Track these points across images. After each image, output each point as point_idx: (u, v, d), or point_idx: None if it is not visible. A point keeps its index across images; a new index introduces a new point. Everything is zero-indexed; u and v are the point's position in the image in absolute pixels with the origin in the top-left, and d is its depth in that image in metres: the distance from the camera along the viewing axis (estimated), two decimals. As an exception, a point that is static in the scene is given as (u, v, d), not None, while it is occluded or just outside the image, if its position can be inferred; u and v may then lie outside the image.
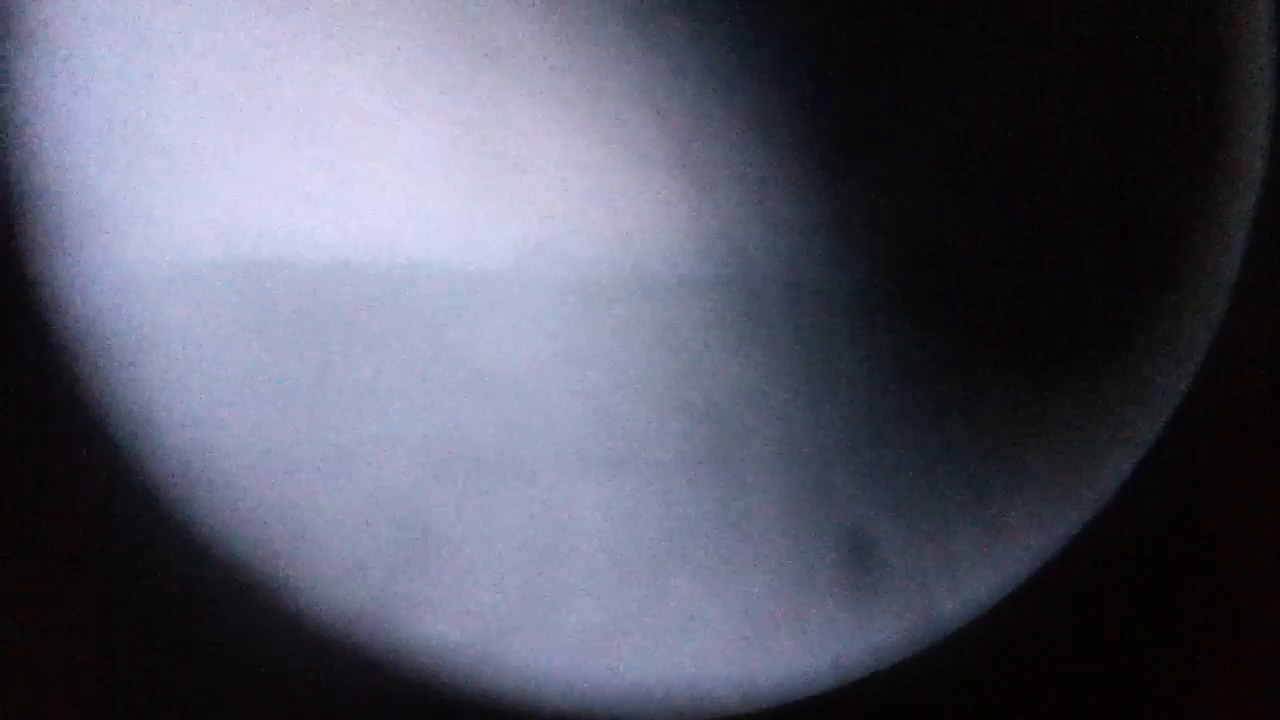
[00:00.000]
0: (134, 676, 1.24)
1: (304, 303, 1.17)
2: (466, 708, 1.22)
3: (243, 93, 1.17)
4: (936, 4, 1.21)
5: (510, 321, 1.19)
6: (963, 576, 1.25)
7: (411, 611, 1.20)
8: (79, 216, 1.18)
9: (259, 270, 1.18)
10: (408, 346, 1.18)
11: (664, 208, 1.19)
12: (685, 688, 1.23)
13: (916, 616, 1.24)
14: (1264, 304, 1.30)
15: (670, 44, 1.19)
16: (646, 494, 1.20)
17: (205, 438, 1.19)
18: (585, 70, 1.18)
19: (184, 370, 1.19)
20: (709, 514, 1.21)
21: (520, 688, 1.22)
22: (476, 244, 1.18)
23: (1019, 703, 1.27)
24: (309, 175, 1.16)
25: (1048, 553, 1.28)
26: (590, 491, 1.20)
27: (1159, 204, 1.28)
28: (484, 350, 1.19)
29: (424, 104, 1.17)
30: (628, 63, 1.19)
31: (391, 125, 1.17)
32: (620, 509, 1.20)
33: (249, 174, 1.17)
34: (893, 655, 1.26)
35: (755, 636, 1.23)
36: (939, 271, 1.23)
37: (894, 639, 1.25)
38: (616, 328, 1.19)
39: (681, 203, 1.19)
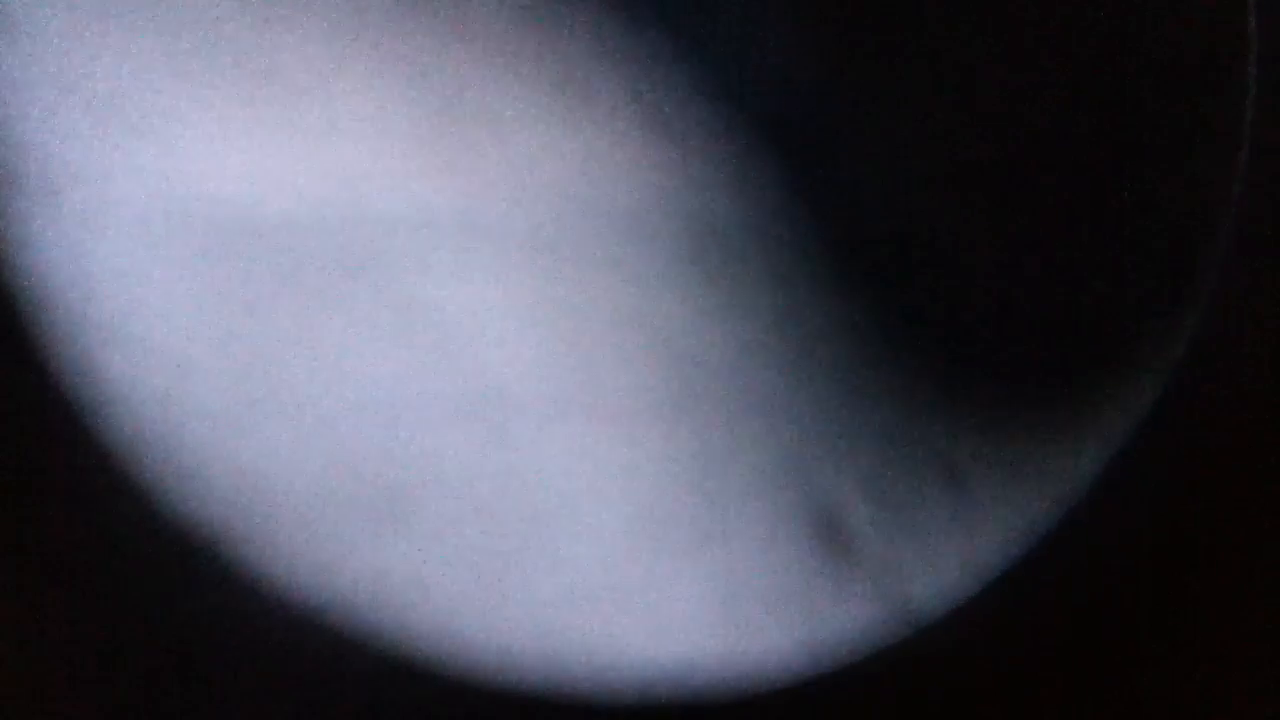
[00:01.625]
0: (100, 645, 1.24)
1: (265, 262, 1.18)
2: (436, 681, 1.22)
3: (200, 54, 1.19)
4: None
5: (475, 273, 1.19)
6: (936, 558, 1.25)
7: (380, 578, 1.20)
8: (39, 182, 1.20)
9: (217, 230, 1.19)
10: (372, 303, 1.19)
11: (633, 165, 1.20)
12: (656, 661, 1.23)
13: (891, 598, 1.24)
14: (1246, 300, 1.30)
15: (646, 27, 1.21)
16: (617, 451, 1.21)
17: (168, 401, 1.20)
18: (556, 46, 1.20)
19: (145, 334, 1.20)
20: (683, 482, 1.22)
21: (489, 657, 1.22)
22: (441, 197, 1.20)
23: (996, 694, 1.27)
24: (268, 134, 1.18)
25: (1024, 541, 1.27)
26: (560, 447, 1.20)
27: (1141, 199, 1.28)
28: (449, 302, 1.20)
29: (386, 57, 1.19)
30: (602, 46, 1.20)
31: (353, 82, 1.19)
32: (591, 468, 1.20)
33: (207, 135, 1.19)
34: (869, 642, 1.26)
35: (727, 611, 1.22)
36: (920, 252, 1.24)
37: (869, 622, 1.25)
38: (585, 279, 1.20)
39: (650, 159, 1.20)
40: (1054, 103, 1.26)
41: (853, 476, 1.23)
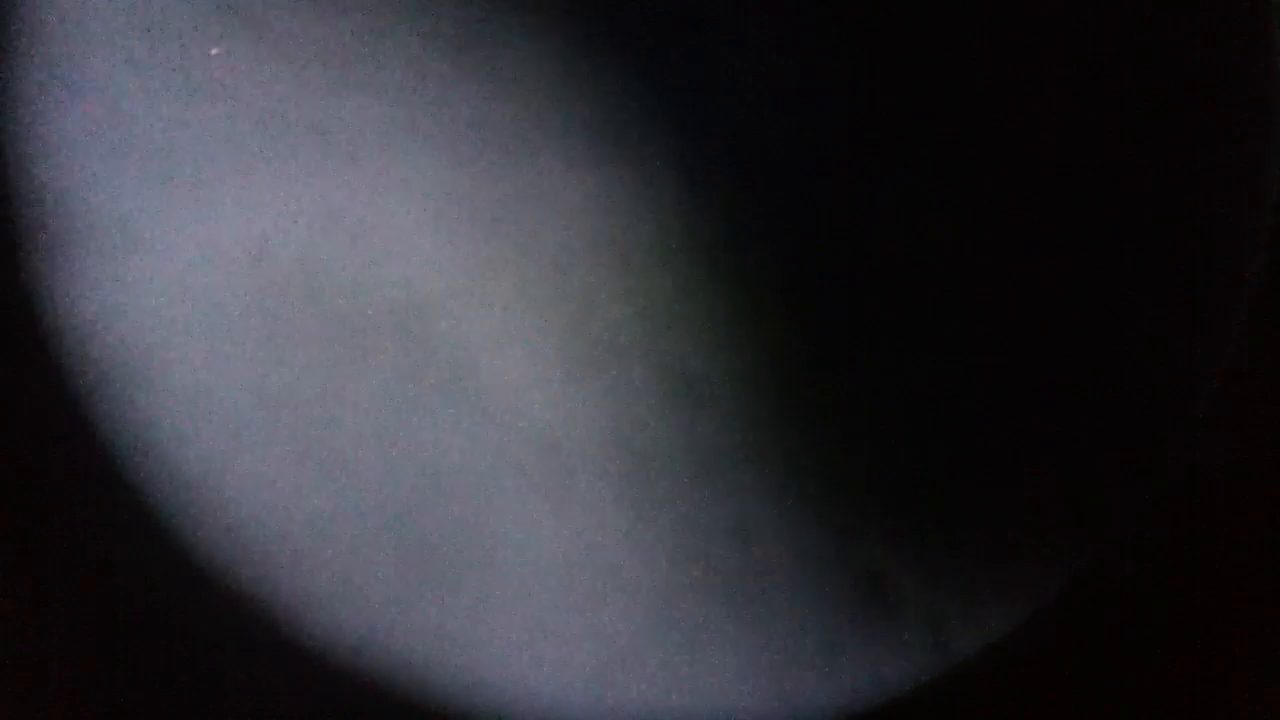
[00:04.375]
0: (135, 697, 1.23)
1: (312, 319, 1.18)
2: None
3: (251, 117, 1.19)
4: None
5: (518, 328, 1.19)
6: (973, 608, 1.25)
7: (423, 635, 1.20)
8: (97, 235, 1.19)
9: (267, 287, 1.19)
10: (418, 361, 1.19)
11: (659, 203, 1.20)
12: (699, 715, 1.22)
13: (928, 644, 1.24)
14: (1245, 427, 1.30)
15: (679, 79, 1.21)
16: (662, 513, 1.20)
17: (210, 456, 1.20)
18: (601, 110, 1.20)
19: (191, 388, 1.19)
20: (718, 538, 1.21)
21: (532, 712, 1.21)
22: (484, 252, 1.20)
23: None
24: (319, 195, 1.18)
25: (1058, 584, 1.27)
26: (600, 508, 1.20)
27: (1175, 225, 1.28)
28: (493, 359, 1.20)
29: (437, 132, 1.19)
30: (638, 103, 1.21)
31: (401, 143, 1.19)
32: (630, 526, 1.20)
33: (258, 195, 1.18)
34: (905, 683, 1.25)
35: (767, 663, 1.22)
36: (944, 295, 1.24)
37: (906, 666, 1.24)
38: (615, 343, 1.20)
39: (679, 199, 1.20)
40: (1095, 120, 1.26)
41: (892, 533, 1.23)
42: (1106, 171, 1.23)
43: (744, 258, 1.21)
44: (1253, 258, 1.25)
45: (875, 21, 1.21)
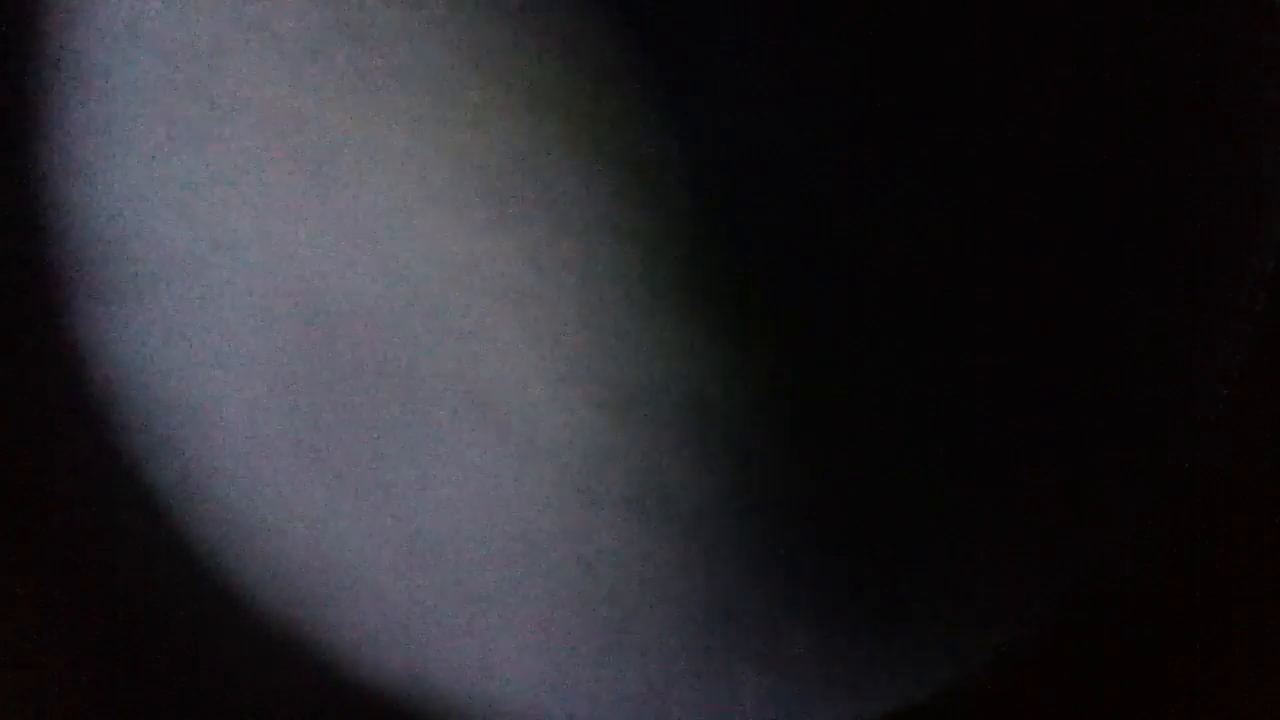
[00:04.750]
0: (135, 697, 1.23)
1: (352, 353, 1.18)
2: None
3: (291, 147, 1.19)
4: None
5: (547, 359, 1.19)
6: (974, 605, 1.25)
7: (458, 664, 1.20)
8: (130, 272, 1.20)
9: (301, 321, 1.19)
10: (454, 394, 1.19)
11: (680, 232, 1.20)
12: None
13: (933, 648, 1.24)
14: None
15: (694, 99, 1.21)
16: (690, 546, 1.21)
17: (247, 491, 1.20)
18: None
19: (227, 423, 1.20)
20: (743, 574, 1.22)
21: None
22: (522, 281, 1.20)
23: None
24: (360, 227, 1.18)
25: (1057, 586, 1.28)
26: (635, 544, 1.20)
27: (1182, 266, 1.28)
28: (525, 393, 1.20)
29: (448, 142, 1.19)
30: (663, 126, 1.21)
31: (440, 177, 1.19)
32: (663, 561, 1.20)
33: (298, 229, 1.18)
34: (911, 689, 1.26)
35: (787, 692, 1.23)
36: (942, 296, 1.25)
37: (913, 673, 1.25)
38: (644, 357, 1.21)
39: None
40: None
41: (900, 553, 1.23)
42: (1107, 171, 1.24)
43: (740, 257, 1.21)
44: (1256, 258, 1.25)
45: (875, 21, 1.22)
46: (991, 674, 1.26)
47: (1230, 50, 1.24)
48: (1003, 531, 1.25)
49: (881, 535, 1.24)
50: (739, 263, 1.21)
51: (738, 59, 1.20)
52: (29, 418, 1.23)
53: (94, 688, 1.23)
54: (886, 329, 1.22)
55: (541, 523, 1.20)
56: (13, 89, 1.23)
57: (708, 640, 1.23)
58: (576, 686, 1.23)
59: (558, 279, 1.19)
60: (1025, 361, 1.24)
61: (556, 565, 1.20)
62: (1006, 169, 1.22)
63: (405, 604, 1.21)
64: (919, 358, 1.23)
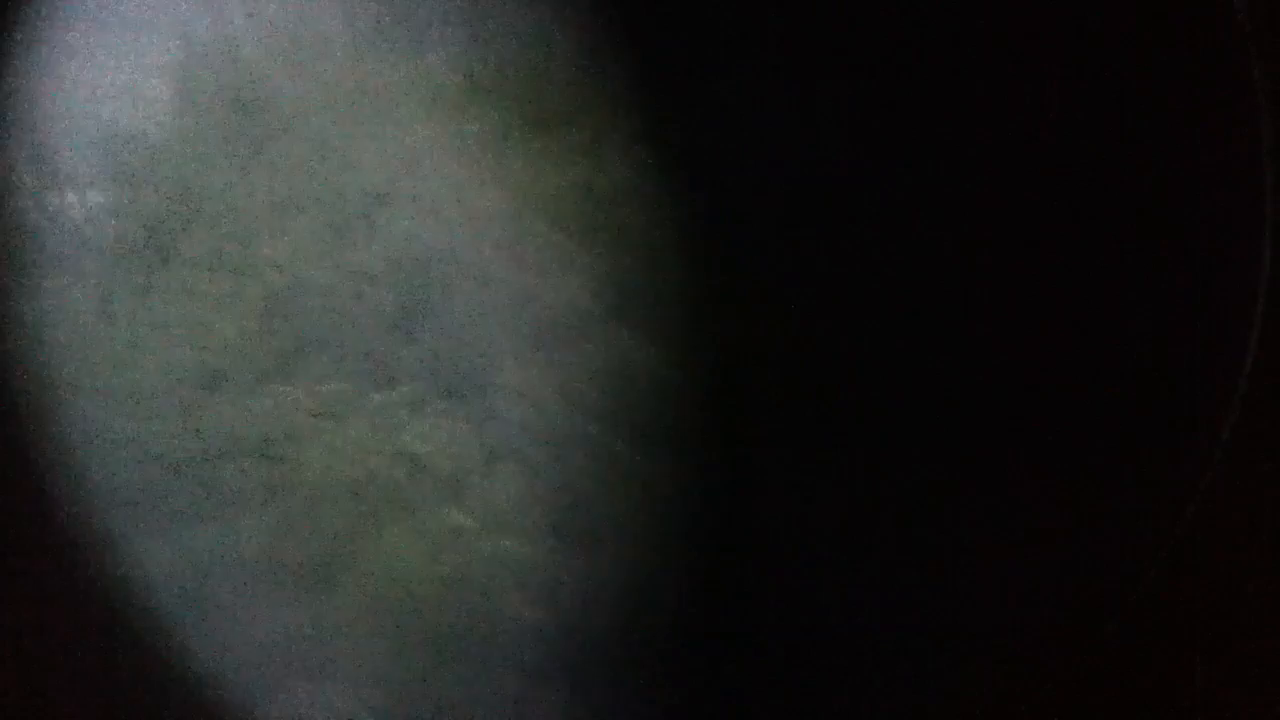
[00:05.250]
0: (135, 697, 1.23)
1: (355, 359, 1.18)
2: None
3: (283, 148, 1.18)
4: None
5: (556, 366, 1.19)
6: (974, 606, 1.25)
7: (464, 694, 1.20)
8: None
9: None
10: (462, 408, 1.19)
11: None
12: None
13: (935, 648, 1.24)
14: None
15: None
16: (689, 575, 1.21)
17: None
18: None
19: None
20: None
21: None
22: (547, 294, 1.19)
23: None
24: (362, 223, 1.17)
25: (1058, 587, 1.27)
26: (631, 565, 1.20)
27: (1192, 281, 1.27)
28: (534, 408, 1.19)
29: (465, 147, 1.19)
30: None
31: (446, 174, 1.18)
32: (659, 585, 1.20)
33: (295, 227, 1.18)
34: (915, 692, 1.26)
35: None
36: (941, 296, 1.24)
37: (915, 674, 1.25)
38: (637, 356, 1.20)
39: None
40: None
41: (901, 556, 1.23)
42: (1108, 171, 1.23)
43: (739, 260, 1.21)
44: (1260, 260, 1.25)
45: (874, 20, 1.21)
46: (992, 677, 1.26)
47: (1230, 50, 1.24)
48: (1006, 535, 1.25)
49: (881, 536, 1.23)
50: (739, 265, 1.20)
51: (737, 64, 1.20)
52: None
53: (95, 688, 1.23)
54: (886, 332, 1.22)
55: (541, 542, 1.20)
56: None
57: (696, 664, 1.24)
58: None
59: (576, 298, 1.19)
60: (1028, 365, 1.24)
61: (555, 586, 1.20)
62: (1007, 170, 1.21)
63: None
64: (919, 359, 1.23)
